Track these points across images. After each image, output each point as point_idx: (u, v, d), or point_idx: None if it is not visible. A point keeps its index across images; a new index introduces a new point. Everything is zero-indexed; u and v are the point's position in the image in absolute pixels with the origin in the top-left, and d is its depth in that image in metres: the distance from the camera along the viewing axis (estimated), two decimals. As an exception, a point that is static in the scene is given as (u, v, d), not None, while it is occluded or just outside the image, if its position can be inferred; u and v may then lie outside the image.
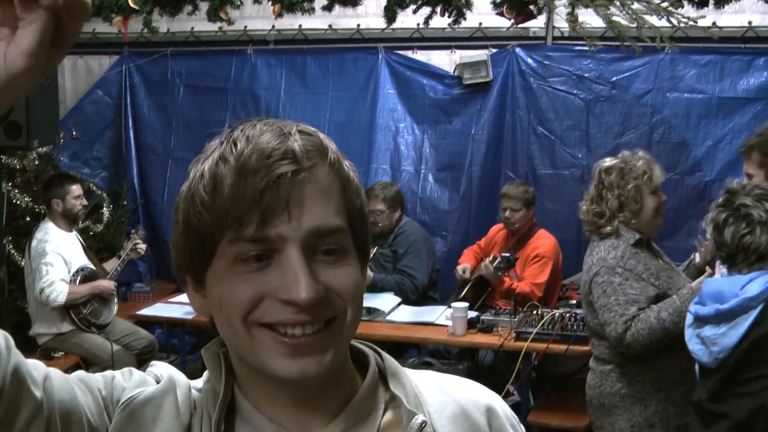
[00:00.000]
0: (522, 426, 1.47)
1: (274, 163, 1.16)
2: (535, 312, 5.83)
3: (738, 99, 6.99)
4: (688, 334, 3.60)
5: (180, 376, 1.33)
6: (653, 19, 4.61)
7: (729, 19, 6.74)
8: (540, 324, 5.59)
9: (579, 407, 5.24)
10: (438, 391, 1.38)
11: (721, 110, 7.00)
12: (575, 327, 5.48)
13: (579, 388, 4.76)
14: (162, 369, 1.34)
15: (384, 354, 1.39)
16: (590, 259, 4.39)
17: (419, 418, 1.30)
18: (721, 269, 3.55)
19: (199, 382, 1.34)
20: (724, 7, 4.15)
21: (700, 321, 3.51)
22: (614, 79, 7.30)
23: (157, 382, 1.30)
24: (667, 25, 4.41)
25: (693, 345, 3.55)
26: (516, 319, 5.82)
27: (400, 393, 1.32)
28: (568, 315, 5.62)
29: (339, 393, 1.29)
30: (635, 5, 3.80)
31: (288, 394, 1.25)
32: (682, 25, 4.03)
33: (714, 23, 6.75)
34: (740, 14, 6.61)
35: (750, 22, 6.85)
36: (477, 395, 1.42)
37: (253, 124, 1.22)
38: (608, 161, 4.44)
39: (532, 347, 5.55)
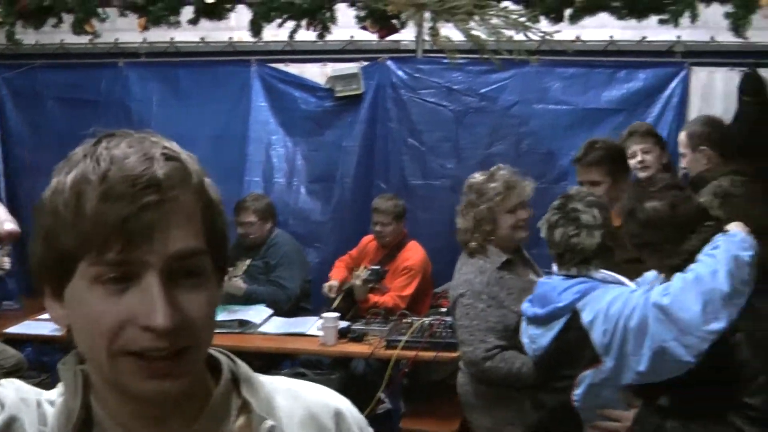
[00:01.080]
0: (371, 429, 1.51)
1: (139, 192, 1.17)
2: (405, 320, 5.92)
3: (601, 110, 7.22)
4: (522, 328, 3.79)
5: (27, 395, 1.32)
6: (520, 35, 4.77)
7: (592, 33, 6.92)
8: (410, 332, 5.68)
9: (450, 412, 5.35)
10: (289, 396, 1.42)
11: (586, 121, 7.20)
12: (444, 334, 5.57)
13: (451, 393, 4.87)
14: (6, 392, 1.31)
15: (237, 360, 1.42)
16: (459, 276, 4.55)
17: (268, 423, 1.33)
18: (553, 267, 3.71)
19: (52, 394, 1.34)
20: (578, 22, 4.28)
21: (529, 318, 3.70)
22: (483, 91, 7.44)
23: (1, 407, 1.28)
24: (534, 38, 4.52)
25: (524, 339, 3.74)
26: (387, 328, 5.90)
27: (251, 398, 1.36)
28: (437, 323, 5.72)
29: (194, 402, 1.32)
30: (494, 20, 3.90)
31: (146, 410, 1.27)
32: (538, 38, 4.15)
33: (578, 37, 6.96)
34: (602, 29, 6.79)
35: (612, 36, 7.06)
36: (326, 400, 1.46)
37: (118, 141, 1.23)
38: (475, 177, 4.62)
39: (403, 355, 5.62)
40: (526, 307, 3.72)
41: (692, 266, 3.08)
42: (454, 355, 5.04)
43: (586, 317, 3.29)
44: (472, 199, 4.56)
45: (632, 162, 5.34)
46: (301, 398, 1.44)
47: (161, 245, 1.19)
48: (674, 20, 3.99)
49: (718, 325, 2.95)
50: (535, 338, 3.66)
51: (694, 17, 4.02)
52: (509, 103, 7.41)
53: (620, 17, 4.13)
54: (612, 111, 7.19)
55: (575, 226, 3.54)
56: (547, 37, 4.19)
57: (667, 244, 3.17)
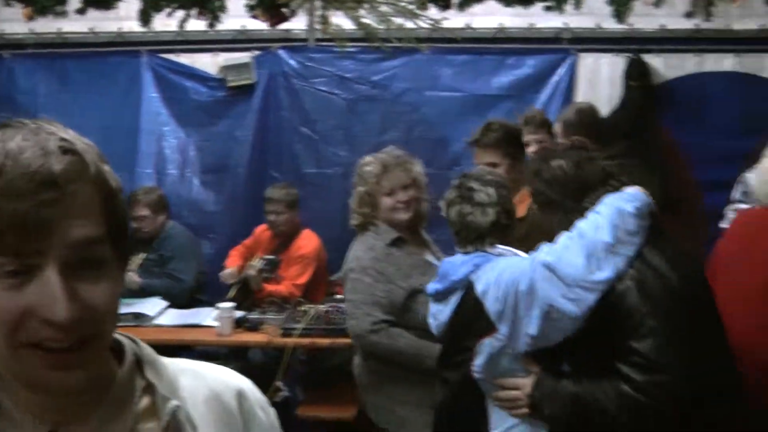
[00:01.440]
0: (272, 409, 1.54)
1: (35, 188, 1.16)
2: (300, 308, 5.94)
3: (492, 96, 7.33)
4: (429, 306, 3.85)
5: None
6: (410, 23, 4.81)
7: (481, 21, 7.02)
8: (305, 320, 5.70)
9: (348, 398, 5.39)
10: (192, 377, 1.43)
11: (477, 107, 7.27)
12: (340, 320, 5.60)
13: (349, 379, 4.90)
14: None
15: (140, 342, 1.42)
16: (350, 252, 4.59)
17: (173, 403, 1.35)
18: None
19: None
20: (466, 10, 4.34)
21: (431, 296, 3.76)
22: (374, 79, 7.48)
23: None
24: (425, 26, 4.58)
25: (429, 319, 3.79)
26: (283, 317, 5.91)
27: (155, 380, 1.37)
28: (332, 309, 5.75)
29: (99, 387, 1.32)
30: (383, 8, 3.94)
31: (52, 399, 1.27)
32: (429, 26, 4.21)
33: (467, 25, 7.05)
34: (491, 16, 6.89)
35: (501, 24, 7.14)
36: (228, 379, 1.48)
37: (12, 133, 1.21)
38: (365, 159, 4.66)
39: (299, 343, 5.64)
40: (430, 286, 3.77)
41: (578, 224, 3.17)
42: (350, 340, 5.08)
43: (479, 287, 3.35)
44: (356, 181, 4.65)
45: (527, 150, 5.42)
46: (204, 378, 1.45)
47: (59, 237, 1.18)
48: (559, 7, 4.07)
49: (602, 275, 3.01)
50: (437, 314, 3.71)
51: (578, 4, 4.10)
52: (401, 91, 7.46)
53: (508, 4, 4.20)
54: (502, 97, 7.30)
55: (470, 204, 3.60)
56: (437, 25, 4.24)
57: (569, 201, 3.24)
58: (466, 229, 3.62)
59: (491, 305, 3.27)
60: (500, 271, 3.31)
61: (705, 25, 6.84)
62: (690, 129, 7.04)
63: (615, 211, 3.08)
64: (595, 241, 3.06)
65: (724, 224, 5.27)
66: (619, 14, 4.07)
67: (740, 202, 5.36)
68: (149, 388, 1.37)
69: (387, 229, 4.56)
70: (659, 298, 2.96)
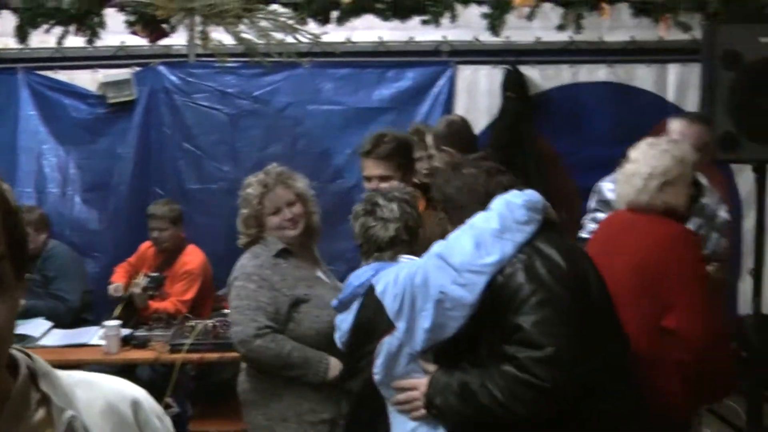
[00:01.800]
0: (168, 418, 1.57)
1: None
2: (188, 324, 5.92)
3: (373, 109, 7.44)
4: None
5: None
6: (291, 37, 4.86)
7: (361, 34, 7.10)
8: (193, 335, 5.68)
9: (238, 412, 5.38)
10: (87, 388, 1.44)
11: (358, 120, 7.39)
12: (228, 335, 5.60)
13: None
14: None
15: (34, 356, 1.42)
16: (236, 264, 4.60)
17: (68, 413, 1.36)
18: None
19: None
20: (344, 24, 4.42)
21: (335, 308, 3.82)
22: (256, 93, 7.52)
23: None
24: (305, 40, 4.63)
25: (335, 330, 3.85)
26: (170, 333, 5.88)
27: (50, 391, 1.37)
28: (220, 324, 5.74)
29: None
30: (263, 23, 3.98)
31: None
32: (309, 41, 4.27)
33: (348, 39, 7.13)
34: (371, 30, 6.98)
35: (380, 38, 7.24)
36: (123, 389, 1.50)
37: None
38: (247, 181, 4.66)
39: (188, 358, 5.62)
40: (334, 301, 3.83)
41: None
42: (238, 354, 5.08)
43: (379, 288, 3.42)
44: (240, 203, 4.63)
45: (417, 165, 5.47)
46: (99, 389, 1.46)
47: None
48: (435, 21, 4.17)
49: (490, 258, 3.11)
50: (340, 324, 3.76)
51: (454, 18, 4.21)
52: (283, 105, 7.52)
53: (385, 18, 4.28)
54: (383, 109, 7.42)
55: (373, 218, 3.73)
56: (318, 39, 4.31)
57: (478, 207, 3.33)
58: (368, 242, 3.74)
59: (389, 304, 3.34)
60: (398, 270, 3.42)
61: (578, 37, 7.06)
62: (566, 137, 7.27)
63: (504, 203, 3.22)
64: (483, 229, 3.18)
65: (583, 234, 5.44)
66: (494, 27, 4.19)
67: (597, 210, 5.56)
68: (44, 400, 1.37)
69: (275, 241, 4.55)
70: (546, 279, 3.07)
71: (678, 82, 7.38)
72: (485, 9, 4.27)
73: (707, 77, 5.35)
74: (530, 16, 4.26)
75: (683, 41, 6.00)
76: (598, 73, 7.43)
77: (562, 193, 6.77)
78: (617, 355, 3.33)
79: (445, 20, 5.27)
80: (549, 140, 7.37)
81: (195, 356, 5.60)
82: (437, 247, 3.29)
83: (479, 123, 7.28)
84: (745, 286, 6.03)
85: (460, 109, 7.33)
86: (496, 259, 3.12)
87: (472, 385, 3.12)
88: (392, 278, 3.40)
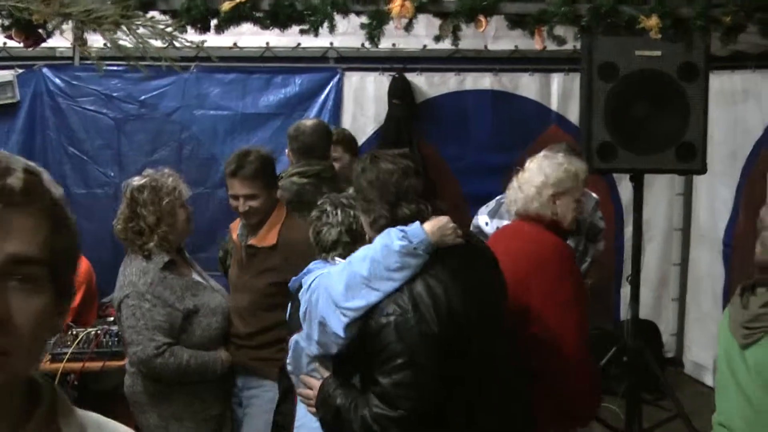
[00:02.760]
0: None
1: None
2: (70, 332, 5.82)
3: (260, 115, 7.47)
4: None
5: None
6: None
7: (249, 40, 7.10)
8: (75, 344, 5.60)
9: (123, 420, 5.30)
10: (97, 428, 1.46)
11: (246, 126, 7.42)
12: (111, 343, 5.54)
13: (122, 401, 4.86)
14: None
15: (59, 389, 1.43)
16: (122, 278, 4.57)
17: None
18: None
19: None
20: (223, 32, 4.41)
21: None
22: (143, 98, 7.46)
23: None
24: (189, 45, 4.60)
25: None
26: (51, 342, 5.78)
27: (65, 428, 1.38)
28: (102, 332, 5.67)
29: (5, 420, 1.32)
30: (141, 30, 3.95)
31: None
32: (195, 46, 4.25)
33: (235, 44, 7.12)
34: (259, 36, 6.97)
35: (268, 43, 7.25)
36: None
37: None
38: (138, 180, 4.62)
39: (69, 367, 5.54)
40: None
41: (356, 252, 3.37)
42: (122, 363, 5.04)
43: (303, 288, 3.54)
44: (147, 198, 4.55)
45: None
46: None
47: (1, 245, 1.24)
48: (314, 30, 4.19)
49: (353, 304, 3.18)
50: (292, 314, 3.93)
51: (332, 28, 4.24)
52: (170, 110, 7.48)
53: (264, 27, 4.28)
54: (270, 115, 7.44)
55: (322, 223, 3.85)
56: (199, 47, 4.30)
57: (383, 206, 3.36)
58: (317, 244, 3.86)
59: (302, 306, 3.47)
60: (317, 276, 3.51)
61: (464, 46, 7.13)
62: (452, 144, 7.37)
63: (382, 246, 3.23)
64: (354, 273, 3.23)
65: None
66: (372, 38, 4.22)
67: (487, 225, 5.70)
68: None
69: (158, 252, 4.55)
70: (413, 342, 3.13)
71: (561, 91, 7.56)
72: (363, 19, 4.29)
73: (586, 88, 5.49)
74: (408, 27, 4.29)
75: (566, 51, 6.11)
76: (484, 81, 7.57)
77: (447, 199, 6.87)
78: (510, 376, 3.46)
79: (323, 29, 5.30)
80: (435, 147, 7.47)
81: (77, 365, 5.52)
82: (335, 268, 3.40)
83: (366, 129, 7.36)
84: (627, 292, 6.19)
85: (347, 115, 7.41)
86: (359, 305, 3.19)
87: (344, 413, 3.26)
88: (311, 282, 3.51)
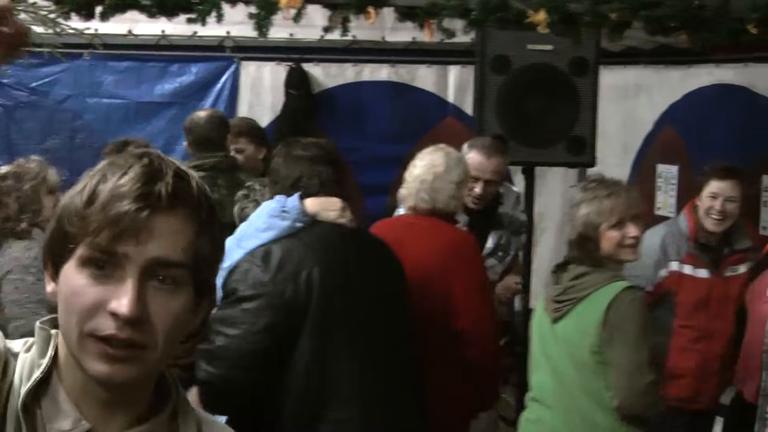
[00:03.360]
0: None
1: (141, 195, 1.30)
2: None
3: (155, 103, 7.36)
4: None
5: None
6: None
7: (144, 27, 6.98)
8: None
9: None
10: (209, 428, 1.53)
11: (140, 114, 7.30)
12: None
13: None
14: None
15: (181, 389, 1.51)
16: (4, 257, 4.49)
17: None
18: None
19: (16, 345, 1.50)
20: (108, 19, 4.34)
21: None
22: (34, 85, 7.28)
23: None
24: (76, 33, 4.51)
25: None
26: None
27: (184, 427, 1.47)
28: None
29: (134, 409, 1.42)
30: (22, 15, 3.86)
31: (97, 392, 1.37)
32: (90, 32, 4.18)
33: (129, 31, 7.01)
34: (154, 23, 6.86)
35: (163, 31, 7.14)
36: None
37: (140, 154, 1.37)
38: (2, 169, 4.56)
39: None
40: None
41: None
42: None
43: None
44: (10, 185, 4.51)
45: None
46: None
47: (146, 246, 1.31)
48: (202, 19, 4.14)
49: (226, 264, 3.20)
50: None
51: (220, 17, 4.20)
52: (62, 97, 7.32)
53: (151, 15, 4.22)
54: (165, 104, 7.34)
55: (248, 201, 3.84)
56: (86, 33, 4.21)
57: (287, 191, 3.35)
58: (241, 221, 3.78)
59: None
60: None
61: (362, 37, 7.16)
62: (349, 135, 7.35)
63: (259, 209, 3.36)
64: (232, 237, 3.31)
65: None
66: (260, 28, 4.19)
67: None
68: None
69: (41, 233, 4.47)
70: (253, 283, 3.16)
71: (458, 83, 7.60)
72: (252, 9, 4.26)
73: (478, 81, 5.54)
74: (297, 18, 4.27)
75: (464, 44, 6.17)
76: (381, 72, 7.57)
77: (344, 190, 6.86)
78: (400, 365, 3.43)
79: (230, 15, 5.23)
80: (331, 137, 7.44)
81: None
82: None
83: (263, 119, 7.29)
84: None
85: (243, 105, 7.36)
86: (227, 266, 3.20)
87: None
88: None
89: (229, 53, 7.37)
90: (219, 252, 1.47)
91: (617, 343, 3.59)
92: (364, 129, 7.52)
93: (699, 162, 6.79)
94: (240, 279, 3.17)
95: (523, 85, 5.47)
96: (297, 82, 7.27)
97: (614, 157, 7.37)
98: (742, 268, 4.98)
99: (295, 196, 3.29)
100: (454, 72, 7.63)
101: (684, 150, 6.97)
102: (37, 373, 1.40)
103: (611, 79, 7.39)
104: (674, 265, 5.01)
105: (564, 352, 3.68)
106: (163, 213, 1.33)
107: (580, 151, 5.51)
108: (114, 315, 1.30)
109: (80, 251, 1.34)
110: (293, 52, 7.33)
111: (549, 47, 5.41)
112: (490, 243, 5.16)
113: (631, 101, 7.45)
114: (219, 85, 7.38)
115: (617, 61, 7.37)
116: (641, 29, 4.76)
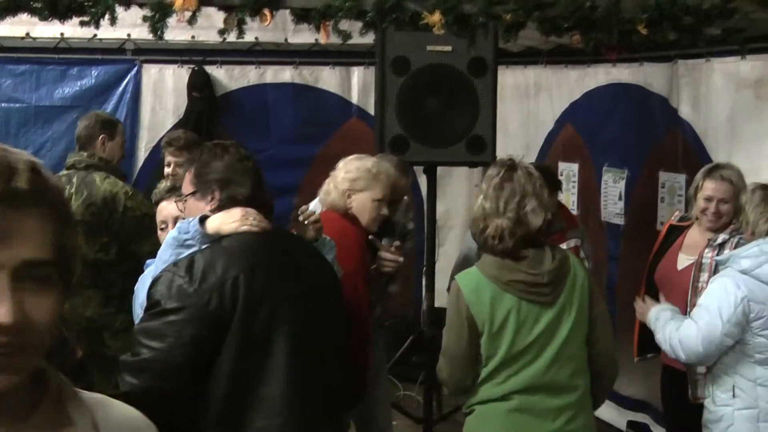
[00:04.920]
0: None
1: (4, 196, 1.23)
2: None
3: (55, 107, 7.26)
4: None
5: None
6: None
7: (42, 30, 6.86)
8: None
9: None
10: (103, 410, 1.47)
11: (40, 118, 7.21)
12: None
13: None
14: None
15: (61, 376, 1.44)
16: None
17: None
18: None
19: None
20: (1, 21, 4.28)
21: None
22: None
23: None
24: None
25: None
26: None
27: (76, 416, 1.41)
28: None
29: (12, 412, 1.35)
30: None
31: None
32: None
33: (27, 34, 6.89)
34: (53, 26, 6.77)
35: (63, 34, 7.03)
36: (140, 416, 1.56)
37: None
38: None
39: None
40: None
41: None
42: None
43: None
44: None
45: (167, 170, 5.63)
46: (115, 410, 1.51)
47: (14, 249, 1.25)
48: (95, 22, 4.10)
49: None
50: None
51: (113, 20, 4.16)
52: (-42, 103, 7.17)
53: (43, 18, 4.16)
54: (66, 108, 7.24)
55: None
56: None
57: (205, 192, 3.33)
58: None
59: None
60: None
61: (264, 39, 7.16)
62: (253, 137, 7.32)
63: (163, 245, 3.34)
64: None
65: None
66: (155, 30, 4.17)
67: None
68: (67, 424, 1.40)
69: None
70: (170, 294, 3.11)
71: (362, 85, 7.65)
72: (147, 11, 4.23)
73: (379, 82, 5.57)
74: (191, 21, 4.26)
75: (366, 45, 6.19)
76: (284, 74, 7.58)
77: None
78: (327, 369, 3.40)
79: (130, 18, 5.19)
80: (235, 140, 7.39)
81: None
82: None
83: (166, 122, 7.27)
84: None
85: (146, 108, 7.31)
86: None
87: None
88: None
89: (130, 56, 7.31)
90: (79, 244, 1.44)
91: (599, 300, 3.83)
92: (268, 131, 7.51)
93: (598, 159, 6.95)
94: (164, 290, 3.10)
95: (423, 86, 5.52)
96: (200, 85, 7.23)
97: (516, 156, 7.48)
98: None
99: (195, 221, 3.25)
100: (357, 73, 7.67)
101: (583, 147, 7.11)
102: None
103: (512, 79, 7.52)
104: None
105: (568, 328, 3.69)
106: (24, 211, 1.27)
107: (480, 151, 5.58)
108: None
109: None
110: (196, 54, 7.29)
111: (448, 48, 5.47)
112: None
113: (532, 100, 7.58)
114: (120, 88, 7.31)
115: (518, 61, 7.49)
116: (535, 29, 4.85)
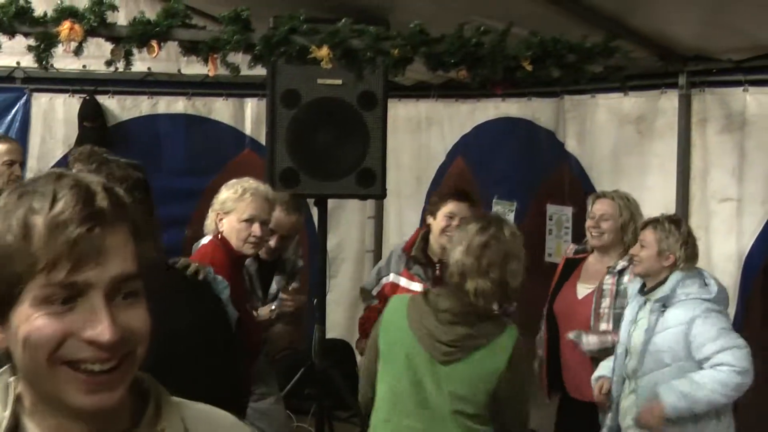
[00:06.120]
0: None
1: (85, 218, 1.26)
2: None
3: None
4: None
5: None
6: None
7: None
8: None
9: None
10: (195, 420, 1.49)
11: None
12: None
13: None
14: None
15: (157, 384, 1.47)
16: None
17: None
18: None
19: None
20: None
21: None
22: None
23: None
24: None
25: None
26: None
27: (166, 424, 1.42)
28: None
29: (120, 422, 1.39)
30: None
31: (78, 425, 1.34)
32: None
33: None
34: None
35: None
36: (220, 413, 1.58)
37: (56, 176, 1.32)
38: None
39: None
40: None
41: None
42: None
43: None
44: None
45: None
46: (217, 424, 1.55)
47: (104, 267, 1.28)
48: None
49: None
50: None
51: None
52: None
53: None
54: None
55: None
56: None
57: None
58: None
59: None
60: None
61: (157, 69, 7.14)
62: (146, 168, 7.23)
63: None
64: None
65: None
66: (41, 61, 4.15)
67: None
68: (168, 425, 1.44)
69: None
70: None
71: (255, 116, 7.64)
72: (31, 41, 4.21)
73: (269, 114, 5.61)
74: (77, 51, 4.25)
75: (260, 77, 6.20)
76: (177, 104, 7.54)
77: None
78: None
79: (19, 45, 5.13)
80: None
81: None
82: None
83: (56, 153, 7.19)
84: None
85: (35, 137, 7.20)
86: None
87: None
88: None
89: (20, 84, 7.20)
90: (152, 248, 1.47)
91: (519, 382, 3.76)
92: (160, 162, 7.44)
93: (487, 191, 7.07)
94: None
95: (313, 119, 5.57)
96: (91, 114, 7.15)
97: (409, 188, 7.58)
98: None
99: None
100: (251, 105, 7.67)
101: (472, 180, 7.22)
102: (1, 428, 1.35)
103: (405, 112, 7.61)
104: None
105: (448, 392, 3.65)
106: (108, 229, 1.31)
107: (370, 183, 5.64)
108: (93, 343, 1.28)
109: (33, 291, 1.27)
110: (87, 84, 7.21)
111: (338, 82, 5.53)
112: (274, 287, 5.36)
113: (424, 133, 7.67)
114: (9, 117, 7.17)
115: (410, 94, 7.59)
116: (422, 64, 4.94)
